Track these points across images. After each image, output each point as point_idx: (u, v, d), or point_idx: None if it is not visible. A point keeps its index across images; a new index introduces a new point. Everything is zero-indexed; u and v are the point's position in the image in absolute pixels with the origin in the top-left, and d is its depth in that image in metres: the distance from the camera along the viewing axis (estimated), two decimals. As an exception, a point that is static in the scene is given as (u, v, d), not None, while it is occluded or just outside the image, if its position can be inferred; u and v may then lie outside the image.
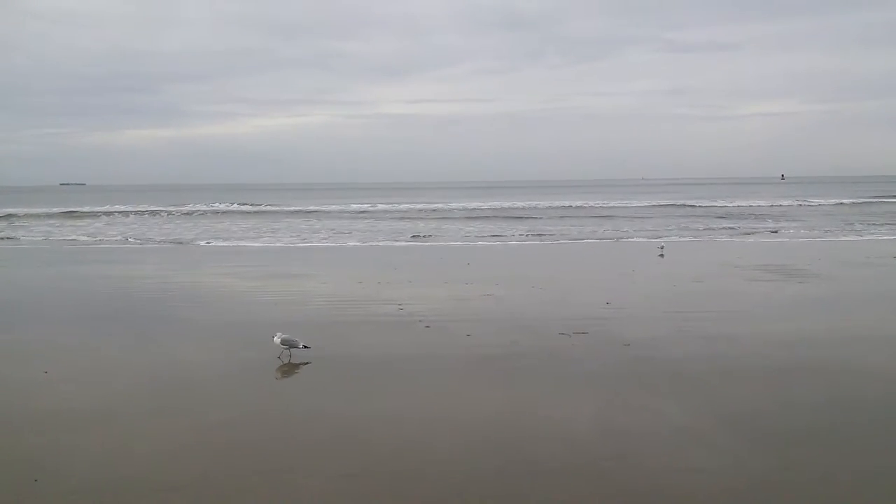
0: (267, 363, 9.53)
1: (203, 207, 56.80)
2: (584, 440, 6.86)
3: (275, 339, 9.55)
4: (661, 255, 22.07)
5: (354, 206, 57.97)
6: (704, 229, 33.93)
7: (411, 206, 56.89)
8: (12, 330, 12.06)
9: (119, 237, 32.01)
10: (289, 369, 9.32)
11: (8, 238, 32.30)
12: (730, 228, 34.31)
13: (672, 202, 59.71)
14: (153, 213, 49.88)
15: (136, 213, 49.65)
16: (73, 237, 32.45)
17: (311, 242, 29.42)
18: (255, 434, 7.07)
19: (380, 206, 57.55)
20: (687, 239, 29.17)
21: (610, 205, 57.55)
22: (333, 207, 57.02)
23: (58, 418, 7.53)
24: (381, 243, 28.43)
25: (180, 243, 28.96)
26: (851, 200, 58.94)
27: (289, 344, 9.55)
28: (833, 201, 57.56)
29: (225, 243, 28.98)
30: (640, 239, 29.03)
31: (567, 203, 59.81)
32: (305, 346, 9.59)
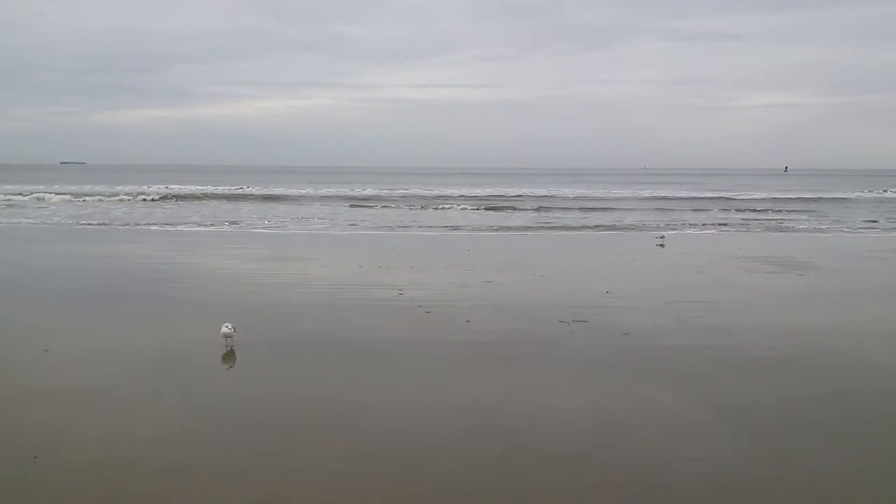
0: (267, 345, 9.55)
1: (207, 189, 56.67)
2: (581, 428, 6.89)
3: (226, 328, 9.21)
4: (662, 246, 22.07)
5: (356, 191, 57.87)
6: (705, 220, 33.88)
7: (413, 192, 56.79)
8: (12, 308, 12.09)
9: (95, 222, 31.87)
10: (287, 352, 9.35)
11: None
12: (731, 219, 34.26)
13: (673, 192, 59.57)
14: (134, 196, 49.45)
15: (128, 195, 49.43)
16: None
17: (313, 227, 29.39)
18: (254, 416, 7.10)
19: (381, 191, 57.43)
20: (688, 230, 29.14)
21: (612, 194, 57.44)
22: (335, 191, 56.91)
23: (58, 397, 7.56)
24: (381, 229, 28.40)
25: (172, 225, 28.93)
26: (855, 194, 58.80)
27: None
28: (836, 194, 57.41)
29: (229, 229, 28.95)
30: (641, 229, 29.00)
31: (569, 191, 59.69)
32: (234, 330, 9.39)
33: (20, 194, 46.18)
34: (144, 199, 45.13)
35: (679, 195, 55.89)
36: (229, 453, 6.22)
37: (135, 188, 55.74)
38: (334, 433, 6.68)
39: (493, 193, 55.64)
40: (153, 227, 27.76)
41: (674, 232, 27.37)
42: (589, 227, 29.75)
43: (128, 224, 29.12)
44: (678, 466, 6.04)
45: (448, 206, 42.76)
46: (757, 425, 6.94)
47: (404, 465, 6.05)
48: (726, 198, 52.39)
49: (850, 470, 6.04)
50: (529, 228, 29.25)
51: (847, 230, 29.41)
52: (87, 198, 45.57)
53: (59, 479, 5.72)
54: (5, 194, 45.83)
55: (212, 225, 29.05)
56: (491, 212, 39.04)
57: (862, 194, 59.12)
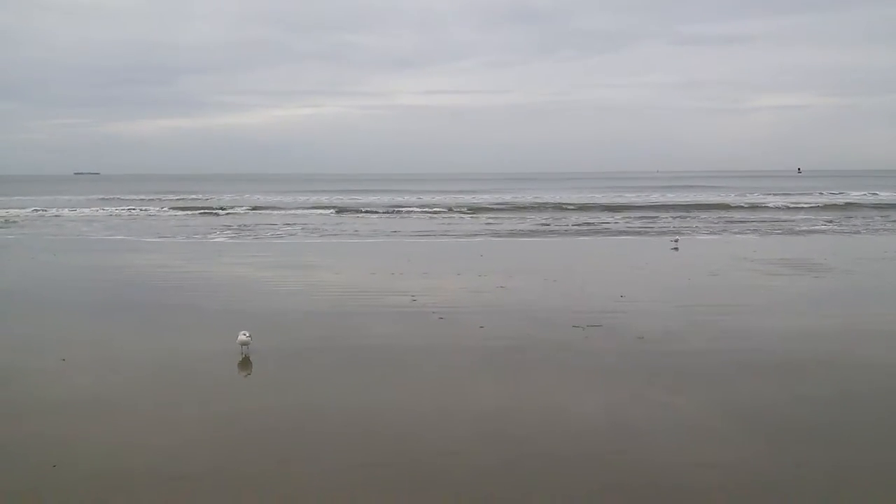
0: (280, 354, 9.60)
1: (224, 197, 57.07)
2: (595, 433, 6.87)
3: (243, 336, 9.20)
4: (676, 249, 21.96)
5: (367, 198, 58.08)
6: (719, 222, 33.68)
7: (424, 198, 56.89)
8: (30, 319, 12.21)
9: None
10: (302, 359, 9.39)
11: None
12: (745, 222, 34.03)
13: (686, 195, 59.32)
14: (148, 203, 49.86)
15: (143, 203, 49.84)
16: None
17: (326, 234, 29.49)
18: (268, 424, 7.13)
19: (392, 198, 57.60)
20: (702, 233, 28.98)
21: (624, 197, 57.28)
22: (347, 199, 57.15)
23: (75, 406, 7.64)
24: (392, 236, 28.45)
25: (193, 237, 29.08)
26: (869, 195, 58.26)
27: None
28: (850, 195, 56.91)
29: (248, 240, 29.11)
30: (655, 232, 28.88)
31: (581, 196, 59.58)
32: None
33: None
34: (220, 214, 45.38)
35: (692, 198, 55.61)
36: (244, 461, 6.25)
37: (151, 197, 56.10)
38: (349, 440, 6.70)
39: (504, 199, 55.62)
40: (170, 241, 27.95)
41: (687, 235, 27.22)
42: (602, 232, 29.67)
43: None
44: (693, 471, 6.01)
45: (459, 211, 42.79)
46: (773, 429, 6.88)
47: (419, 471, 6.05)
48: (740, 199, 52.06)
49: (865, 474, 5.97)
50: (541, 233, 29.20)
51: (862, 231, 29.14)
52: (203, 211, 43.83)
53: (78, 488, 5.78)
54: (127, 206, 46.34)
55: (230, 231, 29.23)
56: (502, 217, 38.99)
57: (876, 195, 58.56)
